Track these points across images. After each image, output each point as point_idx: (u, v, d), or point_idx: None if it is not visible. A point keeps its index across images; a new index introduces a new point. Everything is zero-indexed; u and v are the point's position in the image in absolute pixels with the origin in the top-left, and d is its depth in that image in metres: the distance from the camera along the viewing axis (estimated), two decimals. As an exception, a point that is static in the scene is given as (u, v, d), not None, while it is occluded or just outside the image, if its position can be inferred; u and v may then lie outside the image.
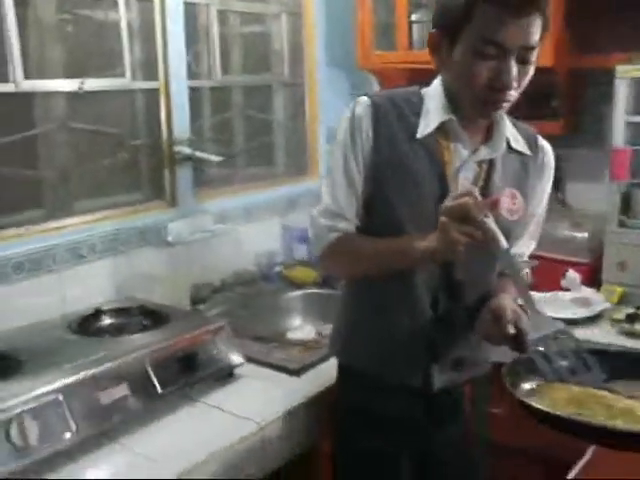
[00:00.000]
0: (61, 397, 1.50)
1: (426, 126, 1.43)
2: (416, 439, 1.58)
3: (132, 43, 2.18)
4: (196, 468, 1.49)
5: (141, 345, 1.73)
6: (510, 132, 1.49)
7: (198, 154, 2.27)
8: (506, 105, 1.37)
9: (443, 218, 1.24)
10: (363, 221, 1.50)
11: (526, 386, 1.34)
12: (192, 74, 2.39)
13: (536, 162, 1.54)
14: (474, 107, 1.39)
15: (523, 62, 1.32)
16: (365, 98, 1.46)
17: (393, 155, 1.44)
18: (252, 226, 2.57)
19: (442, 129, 1.44)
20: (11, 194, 2.01)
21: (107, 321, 1.93)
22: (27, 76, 1.95)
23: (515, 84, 1.32)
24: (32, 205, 2.06)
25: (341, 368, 1.67)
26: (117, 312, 1.97)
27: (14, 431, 1.41)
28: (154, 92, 2.26)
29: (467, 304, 1.50)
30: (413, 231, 1.42)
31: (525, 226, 1.57)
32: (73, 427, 1.50)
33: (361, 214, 1.50)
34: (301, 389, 1.81)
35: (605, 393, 1.27)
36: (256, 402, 1.75)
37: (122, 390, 1.61)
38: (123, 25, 2.12)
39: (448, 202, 1.26)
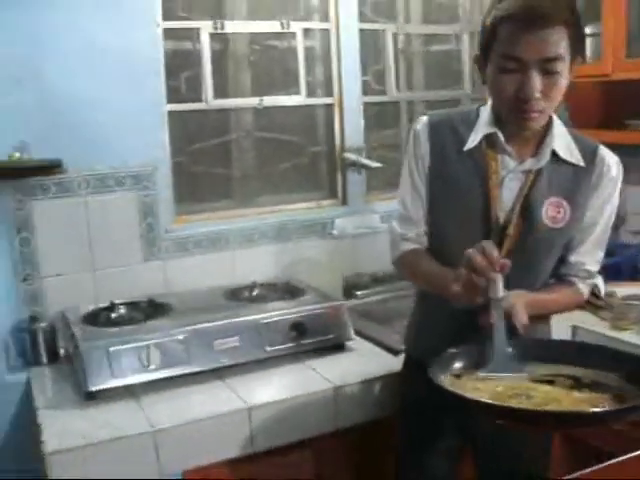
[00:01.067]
0: (181, 337, 1.96)
1: (473, 139, 1.56)
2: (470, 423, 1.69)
3: (310, 66, 2.60)
4: (273, 410, 1.86)
5: (265, 310, 2.13)
6: (561, 143, 1.56)
7: (362, 160, 2.60)
8: (536, 115, 1.44)
9: (462, 269, 1.36)
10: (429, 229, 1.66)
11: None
12: (372, 91, 2.74)
13: (592, 173, 1.57)
14: (508, 119, 1.49)
15: (548, 73, 1.39)
16: (425, 117, 1.64)
17: (443, 167, 1.59)
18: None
19: (490, 142, 1.55)
20: (209, 187, 2.57)
21: (255, 292, 2.35)
22: (222, 96, 2.48)
23: (537, 94, 1.39)
24: (224, 197, 2.59)
25: (408, 359, 1.85)
26: (266, 286, 2.38)
27: (143, 355, 1.90)
28: (330, 107, 2.65)
29: None
30: (456, 239, 1.54)
31: (584, 235, 1.62)
32: (188, 361, 1.95)
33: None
34: (389, 366, 2.05)
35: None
36: (346, 369, 2.04)
37: (234, 342, 2.03)
38: (300, 51, 2.55)
39: (470, 251, 1.36)
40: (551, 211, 1.55)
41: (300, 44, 2.56)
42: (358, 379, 1.99)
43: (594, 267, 1.67)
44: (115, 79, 2.24)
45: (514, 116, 1.46)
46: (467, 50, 2.90)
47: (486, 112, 1.57)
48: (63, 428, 1.76)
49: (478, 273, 1.33)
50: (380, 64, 2.77)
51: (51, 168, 2.17)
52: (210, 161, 2.55)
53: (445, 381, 1.33)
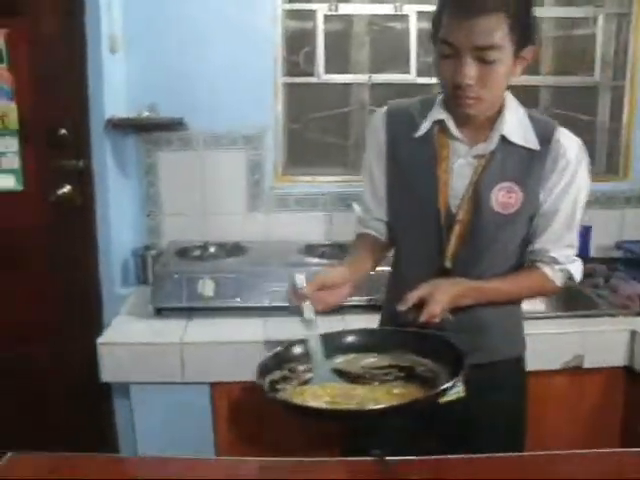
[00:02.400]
0: (234, 275, 2.31)
1: (425, 125, 1.56)
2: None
3: (425, 47, 2.74)
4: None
5: (319, 264, 2.39)
6: (515, 128, 1.53)
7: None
8: (472, 102, 1.43)
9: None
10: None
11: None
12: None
13: (547, 157, 1.53)
14: (450, 104, 1.51)
15: (484, 61, 1.37)
16: (383, 108, 1.66)
17: (397, 155, 1.61)
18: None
19: (442, 128, 1.55)
20: (319, 153, 2.87)
21: (326, 250, 2.62)
22: (340, 71, 2.75)
23: (470, 81, 1.38)
24: (333, 163, 2.88)
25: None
26: (341, 246, 2.60)
27: (200, 285, 2.28)
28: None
29: None
30: (410, 226, 1.63)
31: (547, 222, 1.57)
32: (237, 296, 2.30)
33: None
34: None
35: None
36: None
37: (280, 287, 2.30)
38: (412, 33, 2.71)
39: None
40: (502, 197, 1.53)
41: (413, 26, 2.70)
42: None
43: (561, 253, 1.61)
44: (238, 52, 2.62)
45: (453, 102, 1.48)
46: (601, 34, 2.77)
47: (439, 98, 1.58)
48: (121, 329, 2.22)
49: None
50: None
51: (174, 125, 2.63)
52: (324, 130, 2.83)
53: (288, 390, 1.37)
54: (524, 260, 1.64)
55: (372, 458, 1.36)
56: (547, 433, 2.22)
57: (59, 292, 2.60)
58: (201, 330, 2.20)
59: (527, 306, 2.51)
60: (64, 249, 2.57)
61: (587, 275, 2.56)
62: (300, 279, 1.44)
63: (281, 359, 1.44)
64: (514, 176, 1.53)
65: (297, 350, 1.47)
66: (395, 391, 1.34)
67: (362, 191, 1.73)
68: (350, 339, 1.53)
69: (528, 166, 1.54)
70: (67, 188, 2.53)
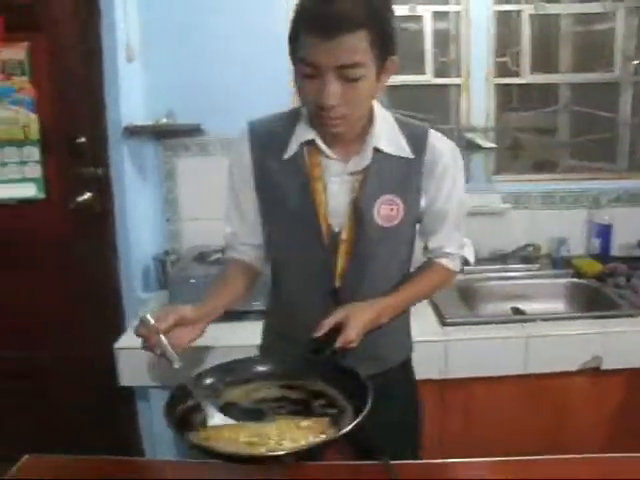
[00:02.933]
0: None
1: (292, 147, 1.49)
2: None
3: (440, 47, 2.73)
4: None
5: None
6: (384, 138, 1.48)
7: (477, 140, 2.67)
8: (338, 122, 1.38)
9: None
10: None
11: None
12: (509, 72, 2.78)
13: (422, 162, 1.51)
14: (316, 124, 1.44)
15: (347, 79, 1.31)
16: (245, 127, 1.56)
17: (267, 179, 1.53)
18: (549, 213, 2.80)
19: (312, 146, 1.48)
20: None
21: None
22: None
23: (335, 102, 1.32)
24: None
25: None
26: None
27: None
28: (458, 87, 2.77)
29: None
30: (292, 252, 1.56)
31: (437, 223, 1.58)
32: (257, 301, 2.31)
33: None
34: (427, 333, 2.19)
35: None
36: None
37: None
38: (428, 33, 2.70)
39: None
40: (384, 210, 1.50)
41: (428, 26, 2.69)
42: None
43: (454, 248, 1.64)
44: (254, 57, 2.64)
45: (318, 122, 1.42)
46: (622, 29, 2.73)
47: (305, 114, 1.49)
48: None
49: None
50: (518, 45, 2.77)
51: (192, 131, 2.67)
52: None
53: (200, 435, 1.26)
54: (408, 268, 1.65)
55: (376, 461, 1.36)
56: (567, 436, 2.21)
57: (81, 297, 2.64)
58: (220, 334, 2.21)
59: (545, 305, 2.56)
60: (85, 255, 2.61)
61: (609, 275, 2.55)
62: (149, 317, 1.32)
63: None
64: (393, 187, 1.50)
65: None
66: (303, 424, 1.27)
67: (227, 215, 1.65)
68: (256, 368, 1.45)
69: (405, 175, 1.51)
70: (87, 195, 2.57)
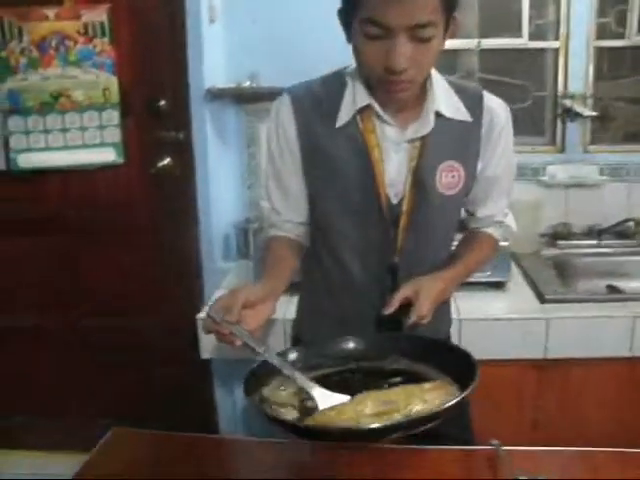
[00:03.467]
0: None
1: (346, 114, 1.38)
2: None
3: (539, 7, 2.57)
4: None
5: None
6: (446, 101, 1.40)
7: (576, 108, 2.51)
8: (407, 86, 1.28)
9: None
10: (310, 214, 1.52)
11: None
12: (612, 34, 2.60)
13: (481, 125, 1.43)
14: (378, 89, 1.34)
15: (419, 40, 1.21)
16: (285, 95, 1.45)
17: (316, 148, 1.41)
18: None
19: (365, 112, 1.38)
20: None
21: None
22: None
23: (404, 63, 1.21)
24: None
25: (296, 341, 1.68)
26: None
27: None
28: (555, 51, 2.60)
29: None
30: (343, 226, 1.45)
31: (489, 190, 1.51)
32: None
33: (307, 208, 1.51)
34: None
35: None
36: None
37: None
38: (526, -8, 2.54)
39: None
40: (445, 177, 1.41)
41: (527, -17, 2.53)
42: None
43: (502, 216, 1.58)
44: (336, 24, 2.51)
45: (382, 88, 1.31)
46: None
47: (355, 78, 1.38)
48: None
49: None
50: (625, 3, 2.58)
51: (276, 95, 2.55)
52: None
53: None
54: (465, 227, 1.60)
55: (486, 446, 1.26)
56: None
57: (161, 265, 2.59)
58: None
59: None
60: (165, 221, 2.56)
61: None
62: (214, 310, 1.22)
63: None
64: (453, 153, 1.41)
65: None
66: (426, 387, 1.21)
67: (267, 192, 1.53)
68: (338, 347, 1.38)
69: (464, 139, 1.42)
70: (167, 160, 2.51)
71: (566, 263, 2.49)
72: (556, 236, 2.60)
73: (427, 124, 1.38)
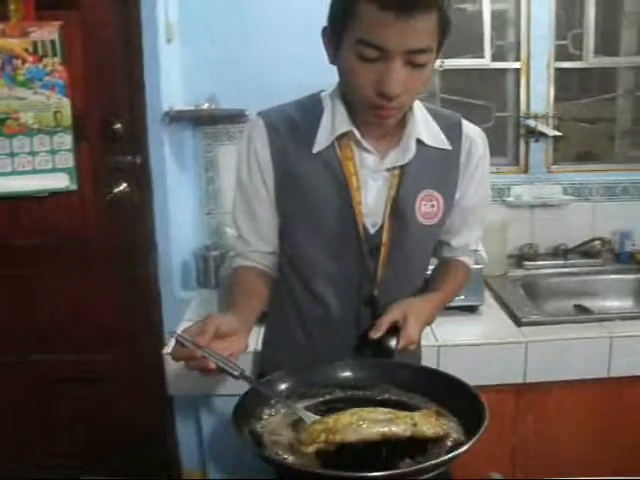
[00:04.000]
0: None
1: (324, 140, 1.33)
2: None
3: (500, 30, 2.58)
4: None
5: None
6: (426, 129, 1.36)
7: (540, 127, 2.51)
8: (395, 112, 1.25)
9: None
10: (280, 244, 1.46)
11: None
12: (569, 56, 2.63)
13: (460, 153, 1.41)
14: (364, 114, 1.28)
15: (413, 65, 1.17)
16: (258, 119, 1.39)
17: (291, 175, 1.36)
18: (612, 205, 2.65)
19: (344, 138, 1.33)
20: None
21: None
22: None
23: (398, 90, 1.18)
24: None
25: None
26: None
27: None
28: (517, 71, 2.61)
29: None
30: (318, 259, 1.39)
31: (465, 219, 1.49)
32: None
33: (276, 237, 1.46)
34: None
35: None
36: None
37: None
38: (486, 14, 2.53)
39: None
40: (424, 207, 1.37)
41: (487, 7, 2.53)
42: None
43: (476, 245, 1.57)
44: (301, 40, 2.45)
45: (370, 112, 1.25)
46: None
47: (334, 103, 1.34)
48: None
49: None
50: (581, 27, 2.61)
51: (236, 117, 2.48)
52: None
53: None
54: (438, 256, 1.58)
55: None
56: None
57: (118, 295, 2.47)
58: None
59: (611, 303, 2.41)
60: (121, 250, 2.44)
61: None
62: (183, 336, 1.12)
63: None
64: (432, 182, 1.38)
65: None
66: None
67: (235, 219, 1.47)
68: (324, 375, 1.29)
69: (443, 168, 1.39)
70: (123, 186, 2.39)
71: (534, 284, 2.47)
72: (523, 257, 2.59)
73: (408, 152, 1.34)
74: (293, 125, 1.35)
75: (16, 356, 2.51)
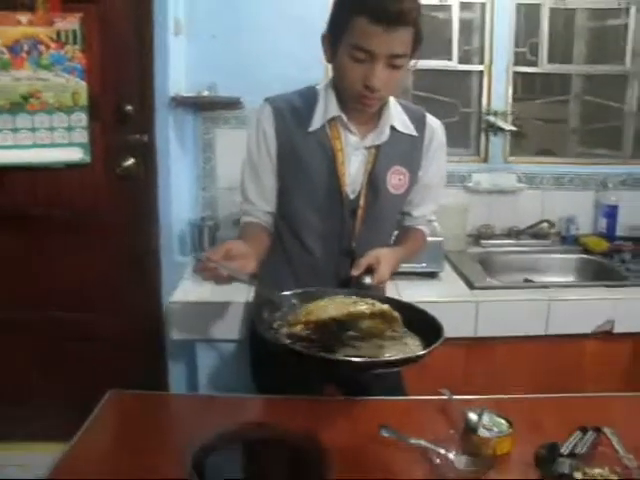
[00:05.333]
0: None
1: (317, 121, 1.66)
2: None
3: (466, 36, 2.93)
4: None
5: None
6: (397, 118, 1.70)
7: (498, 123, 2.87)
8: (375, 103, 1.58)
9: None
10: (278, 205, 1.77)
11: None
12: (526, 62, 3.01)
13: (423, 139, 1.75)
14: (352, 102, 1.61)
15: (393, 67, 1.50)
16: (266, 104, 1.71)
17: (291, 151, 1.68)
18: (560, 193, 3.02)
19: (333, 121, 1.66)
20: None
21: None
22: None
23: (380, 83, 1.50)
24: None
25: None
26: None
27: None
28: (480, 73, 2.97)
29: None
30: (308, 216, 1.72)
31: (424, 194, 1.83)
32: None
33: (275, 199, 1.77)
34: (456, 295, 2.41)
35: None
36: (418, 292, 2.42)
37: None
38: (455, 22, 2.89)
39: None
40: (394, 179, 1.72)
41: (456, 16, 2.89)
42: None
43: (431, 216, 1.92)
44: (291, 38, 2.79)
45: (356, 101, 1.58)
46: (633, 25, 2.95)
47: (326, 93, 1.67)
48: (189, 289, 2.41)
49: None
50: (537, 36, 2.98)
51: (232, 104, 2.82)
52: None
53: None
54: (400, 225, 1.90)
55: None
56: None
57: (124, 259, 2.78)
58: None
59: (556, 278, 2.77)
60: (127, 219, 2.75)
61: (615, 251, 2.76)
62: (201, 255, 1.44)
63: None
64: (401, 160, 1.72)
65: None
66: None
67: (243, 186, 1.78)
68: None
69: (410, 150, 1.74)
70: (131, 161, 2.71)
71: (489, 259, 2.82)
72: (480, 236, 2.95)
73: (383, 135, 1.68)
74: (293, 109, 1.68)
75: (30, 315, 2.81)
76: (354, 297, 1.45)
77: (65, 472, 1.31)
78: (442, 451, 1.33)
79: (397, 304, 1.47)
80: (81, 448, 1.40)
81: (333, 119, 1.66)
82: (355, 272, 1.61)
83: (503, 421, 1.43)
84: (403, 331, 1.43)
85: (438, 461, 1.32)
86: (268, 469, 1.31)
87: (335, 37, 1.54)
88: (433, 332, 1.39)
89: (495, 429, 1.40)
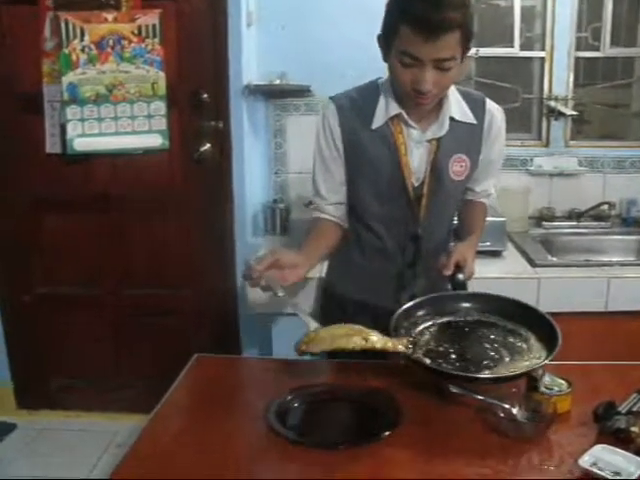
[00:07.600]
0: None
1: (380, 119, 1.72)
2: None
3: (526, 22, 3.01)
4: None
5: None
6: (455, 109, 1.74)
7: (559, 108, 2.94)
8: (428, 101, 1.62)
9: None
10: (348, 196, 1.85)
11: None
12: (588, 46, 3.07)
13: (483, 125, 1.79)
14: (408, 100, 1.67)
15: (441, 69, 1.54)
16: (331, 103, 1.78)
17: (355, 145, 1.76)
18: (621, 177, 3.09)
19: (395, 118, 1.72)
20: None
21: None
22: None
23: (429, 87, 1.55)
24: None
25: (325, 292, 2.06)
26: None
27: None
28: (542, 59, 3.05)
29: (427, 250, 1.84)
30: (374, 205, 1.80)
31: (486, 171, 1.88)
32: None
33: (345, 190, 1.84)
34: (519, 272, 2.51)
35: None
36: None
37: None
38: (517, 8, 2.97)
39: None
40: (455, 167, 1.78)
41: (517, 3, 2.96)
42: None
43: (492, 189, 1.99)
44: (358, 27, 2.89)
45: (411, 100, 1.64)
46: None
47: (387, 89, 1.73)
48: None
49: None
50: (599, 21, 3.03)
51: (302, 92, 2.96)
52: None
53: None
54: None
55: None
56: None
57: (200, 240, 2.97)
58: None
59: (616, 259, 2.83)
60: (203, 201, 2.93)
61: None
62: (252, 261, 1.54)
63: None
64: (461, 148, 1.78)
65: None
66: None
67: (314, 181, 1.85)
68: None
69: (470, 137, 1.79)
70: (207, 146, 2.88)
71: (550, 240, 2.90)
72: (542, 218, 3.02)
73: (443, 127, 1.74)
74: (356, 106, 1.76)
75: (113, 291, 3.03)
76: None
77: (158, 424, 1.46)
78: (506, 406, 1.44)
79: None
80: (171, 405, 1.55)
81: (394, 116, 1.72)
82: (447, 272, 1.71)
83: (563, 382, 1.52)
84: None
85: (502, 415, 1.43)
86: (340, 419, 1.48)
87: (386, 40, 1.60)
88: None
89: (556, 388, 1.50)
